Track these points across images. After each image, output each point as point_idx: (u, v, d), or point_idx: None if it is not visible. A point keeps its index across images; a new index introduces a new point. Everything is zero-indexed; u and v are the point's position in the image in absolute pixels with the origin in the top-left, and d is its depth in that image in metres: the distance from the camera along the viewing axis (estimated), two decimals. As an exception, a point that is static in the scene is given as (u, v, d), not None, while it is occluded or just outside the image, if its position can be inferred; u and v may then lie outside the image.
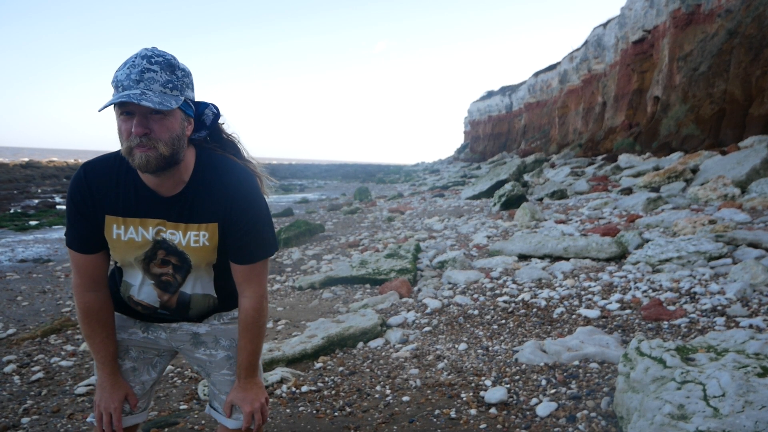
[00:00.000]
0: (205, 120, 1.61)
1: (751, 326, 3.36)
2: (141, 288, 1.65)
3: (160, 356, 1.82)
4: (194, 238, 1.57)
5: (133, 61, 1.39)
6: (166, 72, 1.41)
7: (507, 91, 64.81)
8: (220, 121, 1.66)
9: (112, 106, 1.40)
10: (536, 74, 52.13)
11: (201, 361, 1.79)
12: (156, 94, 1.38)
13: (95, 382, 1.72)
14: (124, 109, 1.39)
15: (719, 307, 3.77)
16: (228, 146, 1.68)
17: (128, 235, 1.56)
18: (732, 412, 1.90)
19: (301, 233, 9.24)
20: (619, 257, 5.58)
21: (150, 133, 1.40)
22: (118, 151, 1.55)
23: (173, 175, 1.51)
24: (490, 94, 71.17)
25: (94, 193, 1.53)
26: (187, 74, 1.48)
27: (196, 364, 1.81)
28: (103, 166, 1.55)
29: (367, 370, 3.38)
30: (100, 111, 1.38)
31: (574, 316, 4.02)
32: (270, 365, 3.42)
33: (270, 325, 4.57)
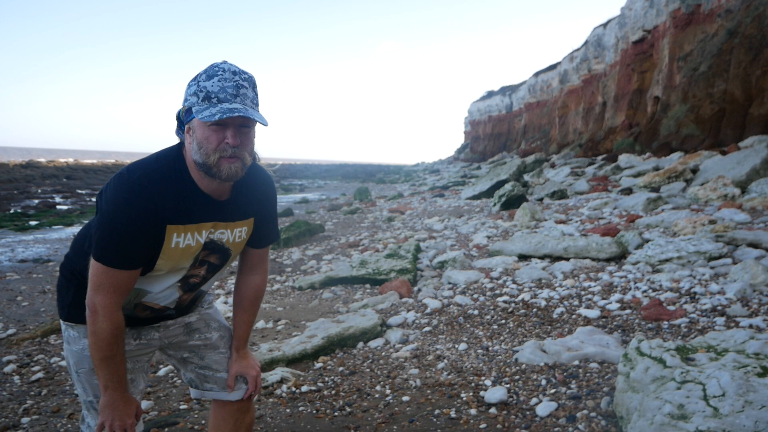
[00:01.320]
0: None
1: (751, 326, 3.36)
2: (162, 292, 1.67)
3: (149, 361, 1.86)
4: (238, 234, 1.72)
5: (223, 75, 1.49)
6: (251, 89, 1.54)
7: (507, 91, 64.78)
8: None
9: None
10: (536, 74, 52.10)
11: (195, 347, 1.86)
12: (252, 110, 1.51)
13: (98, 405, 1.66)
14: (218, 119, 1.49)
15: (719, 307, 3.77)
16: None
17: (186, 241, 1.60)
18: (732, 411, 1.90)
19: (301, 233, 9.24)
20: (619, 257, 5.58)
21: (240, 143, 1.53)
22: (155, 157, 1.58)
23: None
24: (490, 94, 71.15)
25: (158, 205, 1.51)
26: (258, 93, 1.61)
27: (188, 351, 1.86)
28: (159, 175, 1.54)
29: (367, 370, 3.38)
30: (211, 121, 1.45)
31: (574, 316, 4.02)
32: (270, 365, 3.42)
33: (270, 325, 4.57)
